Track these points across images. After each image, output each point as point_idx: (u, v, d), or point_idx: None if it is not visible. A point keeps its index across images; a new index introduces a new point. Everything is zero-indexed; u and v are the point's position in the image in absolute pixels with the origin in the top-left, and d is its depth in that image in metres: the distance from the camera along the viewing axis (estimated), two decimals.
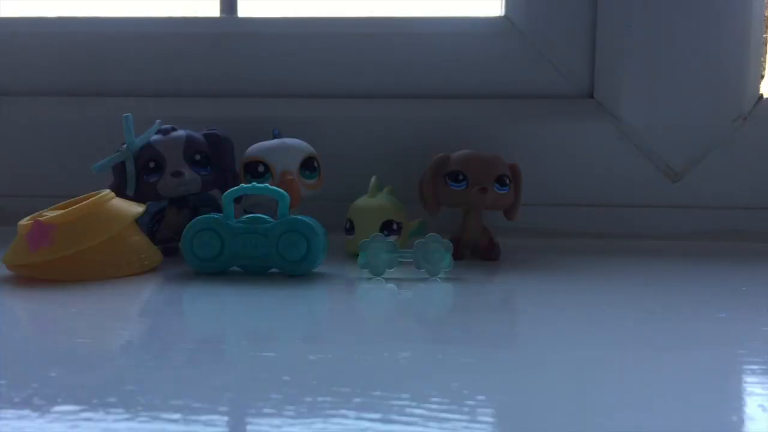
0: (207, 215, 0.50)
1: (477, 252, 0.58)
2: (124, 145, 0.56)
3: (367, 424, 0.23)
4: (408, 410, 0.24)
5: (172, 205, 0.57)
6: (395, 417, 0.23)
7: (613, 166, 0.67)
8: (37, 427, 0.24)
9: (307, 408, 0.25)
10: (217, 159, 0.58)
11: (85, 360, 0.32)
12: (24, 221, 0.49)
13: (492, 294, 0.48)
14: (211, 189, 0.58)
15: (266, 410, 0.25)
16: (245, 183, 0.54)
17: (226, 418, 0.25)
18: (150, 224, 0.58)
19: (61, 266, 0.48)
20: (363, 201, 0.57)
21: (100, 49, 0.71)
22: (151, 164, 0.56)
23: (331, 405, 0.25)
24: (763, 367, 0.30)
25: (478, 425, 0.23)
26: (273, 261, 0.49)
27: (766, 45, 0.68)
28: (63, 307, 0.42)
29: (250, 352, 0.33)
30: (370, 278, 0.49)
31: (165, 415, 0.25)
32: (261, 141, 0.59)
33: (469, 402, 0.25)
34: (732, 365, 0.31)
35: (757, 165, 0.67)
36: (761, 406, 0.26)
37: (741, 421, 0.24)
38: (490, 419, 0.24)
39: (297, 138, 0.60)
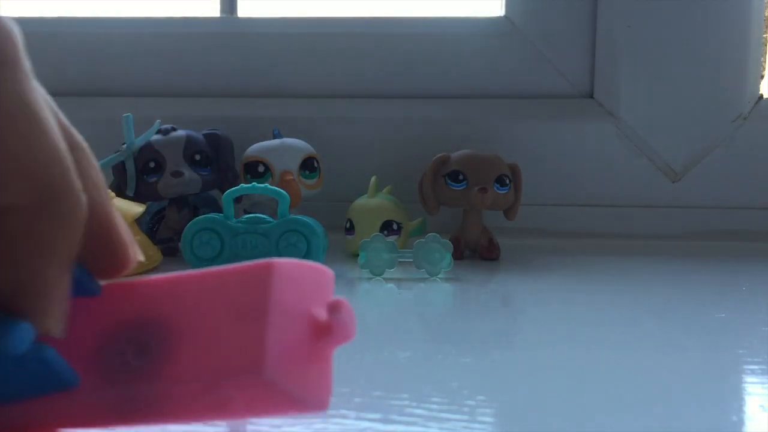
0: (207, 215, 0.50)
1: (477, 252, 0.58)
2: (124, 145, 0.56)
3: (367, 424, 0.23)
4: (408, 410, 0.24)
5: (172, 205, 0.57)
6: (395, 417, 0.23)
7: (613, 166, 0.67)
8: None
9: None
10: (217, 159, 0.58)
11: None
12: None
13: (492, 294, 0.48)
14: (211, 189, 0.58)
15: None
16: (245, 183, 0.54)
17: None
18: (150, 224, 0.58)
19: None
20: (363, 201, 0.57)
21: (100, 49, 0.71)
22: (151, 164, 0.56)
23: (331, 405, 0.25)
24: (763, 367, 0.30)
25: (478, 425, 0.23)
26: None
27: (766, 45, 0.68)
28: None
29: None
30: (370, 278, 0.49)
31: None
32: (261, 141, 0.59)
33: (469, 402, 0.25)
34: (732, 365, 0.31)
35: (757, 165, 0.67)
36: (761, 406, 0.26)
37: (741, 421, 0.24)
38: (490, 419, 0.24)
39: (297, 138, 0.60)
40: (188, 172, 0.56)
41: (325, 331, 0.20)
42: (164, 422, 0.21)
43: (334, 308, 0.20)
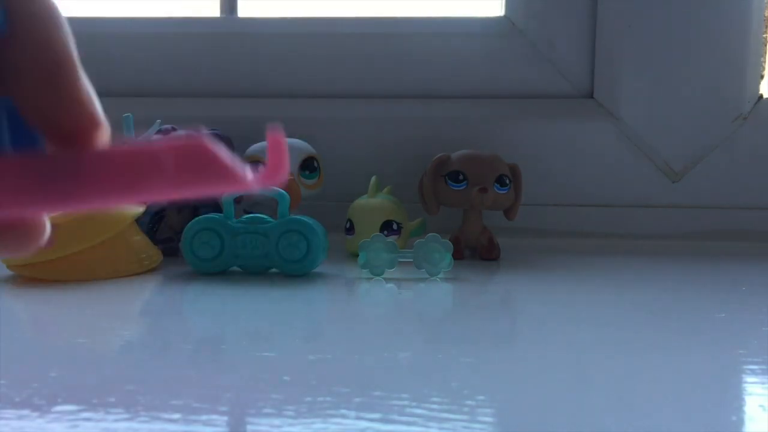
0: (207, 215, 0.50)
1: (477, 252, 0.58)
2: None
3: (367, 424, 0.23)
4: (408, 410, 0.24)
5: (172, 205, 0.57)
6: (395, 417, 0.23)
7: (613, 166, 0.67)
8: (37, 426, 0.24)
9: (307, 408, 0.25)
10: None
11: (85, 360, 0.32)
12: None
13: (492, 294, 0.48)
14: None
15: (266, 410, 0.25)
16: None
17: (226, 418, 0.25)
18: (150, 224, 0.58)
19: (61, 266, 0.48)
20: (363, 201, 0.57)
21: (101, 49, 0.71)
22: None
23: (331, 405, 0.25)
24: (763, 367, 0.30)
25: (478, 425, 0.23)
26: (273, 261, 0.49)
27: (766, 45, 0.68)
28: (63, 307, 0.42)
29: (250, 352, 0.33)
30: (370, 278, 0.49)
31: (165, 415, 0.25)
32: (261, 141, 0.59)
33: (469, 402, 0.25)
34: (732, 365, 0.31)
35: (757, 165, 0.67)
36: (761, 406, 0.26)
37: (741, 421, 0.24)
38: (490, 419, 0.24)
39: (297, 138, 0.60)
40: None
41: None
42: (90, 192, 0.19)
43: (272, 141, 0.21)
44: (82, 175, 0.19)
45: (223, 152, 0.20)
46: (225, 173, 0.20)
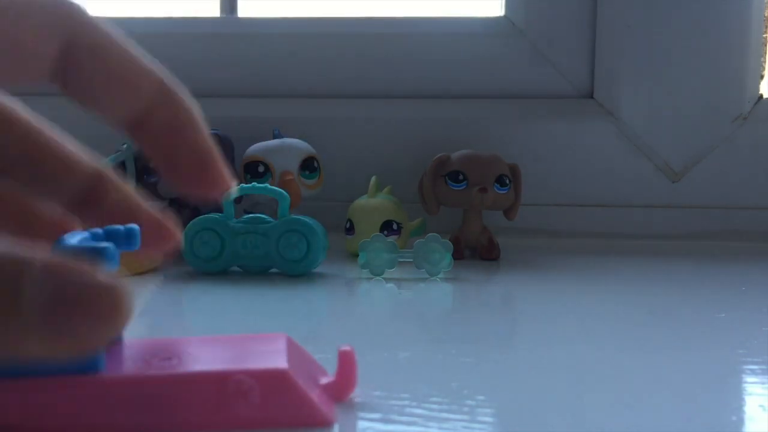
0: (207, 215, 0.50)
1: (477, 252, 0.58)
2: (124, 145, 0.56)
3: (367, 424, 0.23)
4: (408, 410, 0.24)
5: (172, 205, 0.57)
6: (395, 417, 0.23)
7: (613, 166, 0.67)
8: None
9: None
10: None
11: None
12: None
13: (492, 294, 0.48)
14: None
15: None
16: (245, 183, 0.54)
17: None
18: None
19: None
20: (363, 201, 0.57)
21: None
22: (152, 164, 0.56)
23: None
24: (763, 367, 0.30)
25: (478, 425, 0.23)
26: (273, 261, 0.49)
27: (766, 45, 0.68)
28: None
29: None
30: (370, 278, 0.49)
31: None
32: (261, 141, 0.59)
33: (469, 402, 0.25)
34: (732, 365, 0.31)
35: (757, 165, 0.67)
36: (761, 406, 0.26)
37: (741, 421, 0.24)
38: (490, 419, 0.24)
39: (297, 138, 0.60)
40: None
41: (325, 388, 0.24)
42: (180, 421, 0.21)
43: (343, 357, 0.24)
44: (166, 399, 0.21)
45: (305, 387, 0.22)
46: (303, 403, 0.22)
